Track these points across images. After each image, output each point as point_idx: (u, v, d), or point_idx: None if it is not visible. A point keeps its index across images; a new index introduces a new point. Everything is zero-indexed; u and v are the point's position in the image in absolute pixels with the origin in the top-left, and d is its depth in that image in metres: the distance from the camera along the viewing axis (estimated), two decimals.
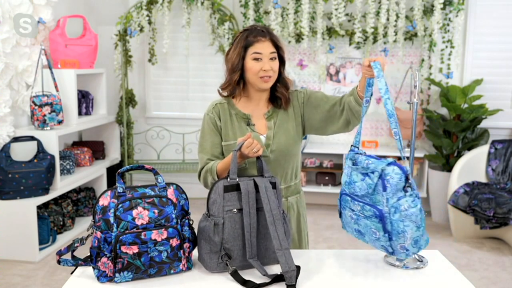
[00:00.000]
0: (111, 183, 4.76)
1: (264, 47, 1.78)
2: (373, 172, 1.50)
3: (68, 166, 4.04)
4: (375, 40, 4.51)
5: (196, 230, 1.63)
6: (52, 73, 3.84)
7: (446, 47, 4.50)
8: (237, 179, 1.57)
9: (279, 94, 1.87)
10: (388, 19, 4.42)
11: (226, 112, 1.86)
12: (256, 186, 1.58)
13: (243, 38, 1.80)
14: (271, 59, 1.79)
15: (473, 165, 4.25)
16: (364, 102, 1.66)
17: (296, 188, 1.95)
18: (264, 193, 1.55)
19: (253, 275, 1.54)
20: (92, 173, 4.30)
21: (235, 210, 1.56)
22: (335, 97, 1.85)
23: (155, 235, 1.47)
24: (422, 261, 1.68)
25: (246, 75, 1.82)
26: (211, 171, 1.79)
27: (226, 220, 1.55)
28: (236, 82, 1.84)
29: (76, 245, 1.52)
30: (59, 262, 1.54)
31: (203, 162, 1.85)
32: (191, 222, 1.62)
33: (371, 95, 1.66)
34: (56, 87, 3.85)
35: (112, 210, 1.48)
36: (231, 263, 1.54)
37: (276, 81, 1.85)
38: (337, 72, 4.77)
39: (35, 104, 3.68)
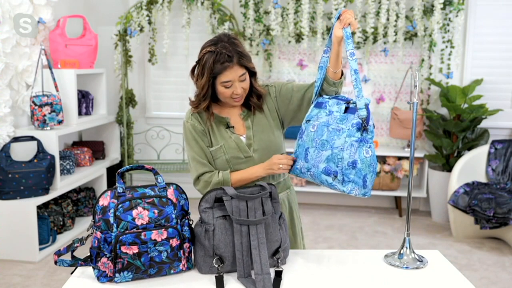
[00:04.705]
0: (111, 183, 4.76)
1: (232, 73, 1.74)
2: None
3: (68, 166, 4.04)
4: (375, 40, 4.51)
5: None
6: (52, 73, 3.85)
7: (446, 47, 4.50)
8: (230, 197, 1.57)
9: (251, 103, 1.87)
10: (388, 19, 4.42)
11: (204, 117, 1.86)
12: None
13: (210, 65, 1.72)
14: (241, 80, 1.77)
15: (473, 165, 4.25)
16: (349, 55, 1.60)
17: (285, 184, 1.95)
18: (253, 215, 1.56)
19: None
20: (92, 173, 4.30)
21: (225, 216, 1.57)
22: (306, 84, 1.86)
23: (155, 235, 1.47)
24: (422, 261, 1.68)
25: (218, 96, 1.82)
26: (224, 183, 1.78)
27: (216, 227, 1.55)
28: (206, 108, 1.83)
29: (76, 245, 1.52)
30: (55, 262, 1.54)
31: (203, 168, 1.82)
32: (191, 222, 1.62)
33: (353, 47, 1.63)
34: (56, 87, 3.85)
35: (112, 210, 1.48)
36: (224, 268, 1.55)
37: (249, 91, 1.85)
38: None
39: (35, 104, 3.68)
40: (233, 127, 1.86)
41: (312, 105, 1.75)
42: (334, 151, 1.56)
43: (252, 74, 1.83)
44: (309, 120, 1.71)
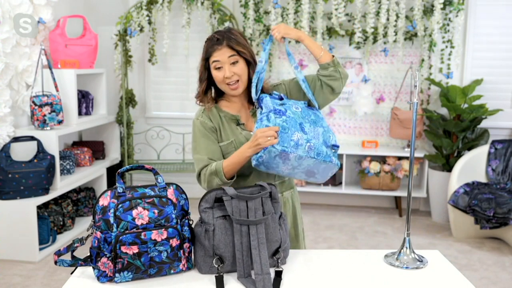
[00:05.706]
0: (111, 183, 4.76)
1: (221, 54, 1.78)
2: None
3: (68, 166, 4.04)
4: (375, 40, 4.51)
5: None
6: (52, 73, 3.84)
7: (446, 47, 4.50)
8: (230, 197, 1.56)
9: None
10: (388, 19, 4.42)
11: (215, 115, 1.87)
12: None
13: (204, 49, 1.83)
14: (232, 63, 1.79)
15: (473, 165, 4.25)
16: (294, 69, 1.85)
17: (290, 183, 1.97)
18: (253, 215, 1.56)
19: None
20: (92, 173, 4.30)
21: (225, 216, 1.56)
22: (313, 75, 1.91)
23: (155, 235, 1.47)
24: (422, 261, 1.68)
25: (216, 83, 1.85)
26: (217, 173, 1.75)
27: (216, 227, 1.55)
28: (204, 92, 1.87)
29: (76, 245, 1.52)
30: (55, 262, 1.54)
31: (202, 163, 1.82)
32: (191, 222, 1.62)
33: (295, 62, 1.89)
34: (56, 87, 3.85)
35: (112, 210, 1.48)
36: (224, 268, 1.55)
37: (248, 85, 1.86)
38: None
39: (35, 104, 3.68)
40: (243, 124, 1.87)
41: (267, 97, 1.80)
42: (325, 129, 1.76)
43: (249, 63, 1.84)
44: (283, 104, 1.77)
